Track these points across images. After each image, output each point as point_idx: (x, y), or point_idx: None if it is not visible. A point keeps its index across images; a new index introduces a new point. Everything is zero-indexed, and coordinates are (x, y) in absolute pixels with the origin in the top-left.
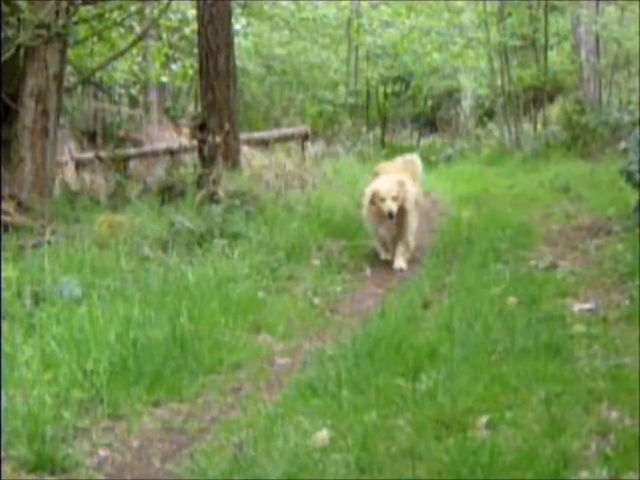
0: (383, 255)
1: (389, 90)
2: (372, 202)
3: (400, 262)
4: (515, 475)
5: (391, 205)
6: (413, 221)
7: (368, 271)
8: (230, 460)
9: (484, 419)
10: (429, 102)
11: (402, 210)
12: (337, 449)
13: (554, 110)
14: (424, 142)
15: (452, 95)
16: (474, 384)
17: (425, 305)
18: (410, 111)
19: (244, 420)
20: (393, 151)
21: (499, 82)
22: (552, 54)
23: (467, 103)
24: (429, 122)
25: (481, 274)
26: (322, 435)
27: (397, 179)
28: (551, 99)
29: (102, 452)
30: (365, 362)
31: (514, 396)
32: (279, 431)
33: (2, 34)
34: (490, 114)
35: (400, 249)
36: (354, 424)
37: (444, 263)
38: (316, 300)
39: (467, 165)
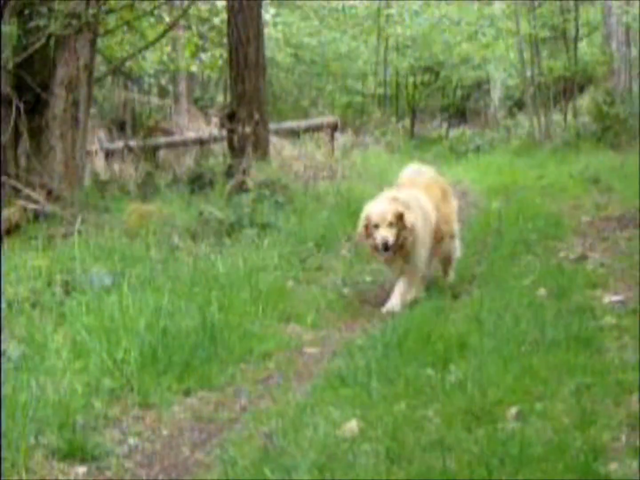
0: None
1: (418, 80)
2: (366, 230)
3: (393, 302)
4: (545, 466)
5: (385, 235)
6: (422, 252)
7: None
8: (259, 450)
9: (513, 410)
10: (459, 93)
11: (405, 239)
12: (366, 439)
13: (584, 101)
14: (453, 132)
15: (481, 86)
16: (503, 375)
17: (455, 296)
18: (439, 102)
19: (273, 410)
20: (423, 142)
21: (528, 72)
22: (583, 45)
23: (496, 94)
24: (458, 113)
25: (511, 265)
26: (352, 425)
27: (400, 196)
28: (581, 90)
29: (132, 441)
30: (395, 352)
31: (544, 388)
32: (309, 421)
33: (33, 23)
34: (520, 105)
35: (398, 287)
36: (384, 415)
37: (473, 254)
38: (345, 291)
39: (496, 156)
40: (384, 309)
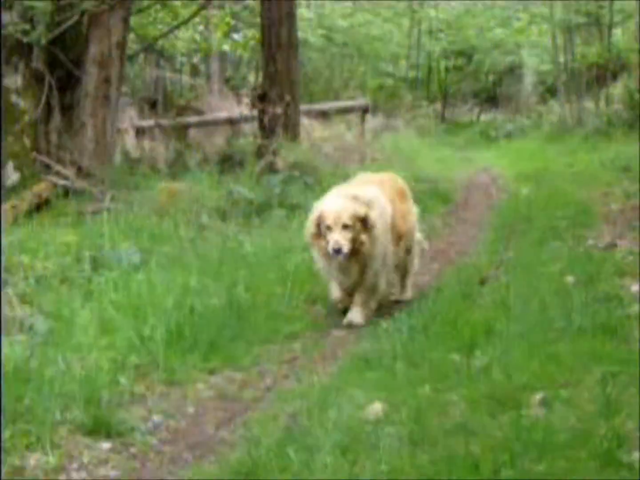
0: (339, 303)
1: (450, 64)
2: (317, 230)
3: (354, 315)
4: (569, 453)
5: (339, 238)
6: (383, 260)
7: (425, 245)
8: (283, 430)
9: (538, 397)
10: (491, 78)
11: (362, 244)
12: (390, 421)
13: (617, 89)
14: (485, 117)
15: (514, 71)
16: (529, 362)
17: (482, 282)
18: (471, 86)
19: (298, 390)
20: (454, 126)
21: (561, 58)
22: (617, 32)
23: (529, 79)
24: (490, 98)
25: (539, 252)
26: (376, 407)
27: (361, 193)
28: (615, 77)
29: (157, 418)
30: (420, 336)
31: (570, 375)
32: (333, 402)
33: (67, 0)
34: (552, 91)
35: (359, 298)
36: (408, 398)
37: (501, 239)
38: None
39: (527, 142)
40: (345, 321)
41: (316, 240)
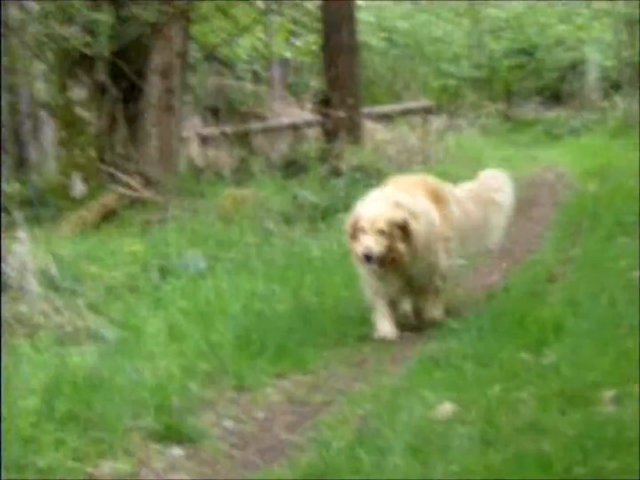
0: (385, 328)
1: (512, 63)
2: (353, 233)
3: (433, 311)
4: None
5: (369, 243)
6: (431, 273)
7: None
8: (354, 432)
9: (609, 394)
10: (554, 75)
11: (400, 255)
12: (461, 421)
13: None
14: (548, 115)
15: (577, 68)
16: (599, 358)
17: (550, 279)
18: (534, 84)
19: (368, 393)
20: (517, 125)
21: (625, 53)
22: None
23: (592, 75)
24: (553, 95)
25: (607, 248)
26: (446, 408)
27: (403, 200)
28: None
29: (227, 423)
30: (489, 335)
31: None
32: (403, 404)
33: (128, 11)
34: (616, 86)
35: (429, 298)
36: (478, 397)
37: (568, 236)
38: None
39: (592, 138)
40: (425, 317)
41: (352, 244)
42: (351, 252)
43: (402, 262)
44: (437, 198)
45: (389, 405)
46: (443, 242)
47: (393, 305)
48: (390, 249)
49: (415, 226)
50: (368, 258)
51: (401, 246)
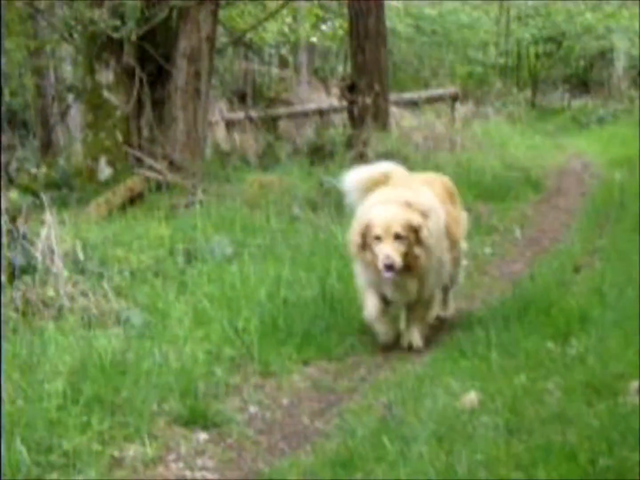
0: (383, 335)
1: (540, 50)
2: (363, 242)
3: (414, 336)
4: None
5: (390, 252)
6: (439, 273)
7: (518, 233)
8: (378, 420)
9: (635, 384)
10: (581, 63)
11: (417, 259)
12: (485, 411)
13: None
14: (576, 103)
15: (604, 56)
16: (625, 349)
17: (576, 269)
18: (561, 72)
19: (392, 380)
20: (544, 113)
21: None
22: None
23: (620, 64)
24: (580, 83)
25: (633, 238)
26: (471, 397)
27: (414, 200)
28: None
29: (252, 409)
30: (515, 325)
31: None
32: (428, 392)
33: None
34: None
35: (415, 316)
36: (503, 387)
37: (595, 226)
38: (464, 262)
39: (620, 127)
40: (404, 343)
41: (361, 253)
42: (356, 263)
43: (419, 268)
44: (451, 198)
45: (414, 393)
46: (452, 243)
47: (389, 317)
48: (408, 254)
49: (429, 227)
50: (390, 268)
51: (418, 250)
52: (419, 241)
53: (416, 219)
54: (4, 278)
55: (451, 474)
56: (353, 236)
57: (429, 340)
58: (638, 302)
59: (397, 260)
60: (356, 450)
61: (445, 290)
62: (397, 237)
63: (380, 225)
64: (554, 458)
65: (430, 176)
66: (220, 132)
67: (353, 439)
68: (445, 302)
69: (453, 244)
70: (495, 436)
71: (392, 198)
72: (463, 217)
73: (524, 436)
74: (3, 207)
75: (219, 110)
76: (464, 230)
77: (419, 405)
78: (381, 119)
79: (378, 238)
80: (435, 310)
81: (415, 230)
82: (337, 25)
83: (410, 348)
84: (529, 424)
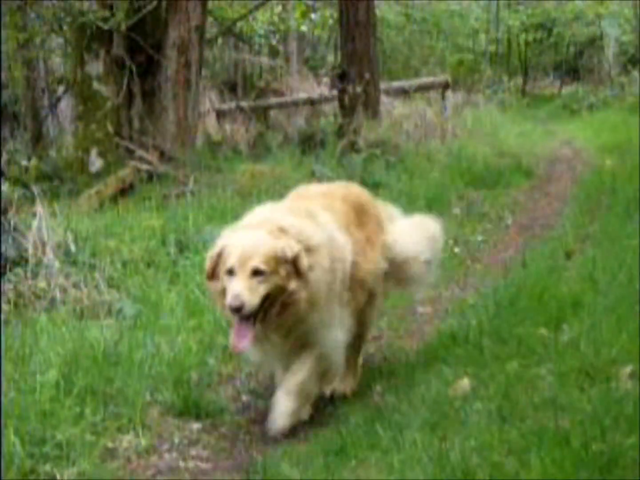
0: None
1: (530, 37)
2: (213, 271)
3: (278, 413)
4: None
5: (241, 290)
6: (330, 318)
7: (509, 220)
8: (371, 407)
9: (627, 370)
10: (571, 50)
11: (293, 295)
12: (478, 397)
13: None
14: (566, 90)
15: (595, 43)
16: (617, 335)
17: (568, 255)
18: (552, 59)
19: (385, 368)
20: (535, 100)
21: None
22: None
23: (610, 50)
24: (571, 70)
25: (625, 224)
26: (464, 383)
27: (292, 223)
28: None
29: (245, 398)
30: (507, 311)
31: None
32: (421, 379)
33: None
34: (634, 61)
35: (292, 378)
36: (496, 373)
37: (586, 212)
38: (457, 250)
39: (610, 114)
40: (270, 427)
41: (212, 284)
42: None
43: (297, 306)
44: (361, 216)
45: (407, 381)
46: (367, 278)
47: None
48: (278, 291)
49: (311, 260)
50: (237, 310)
51: (293, 284)
52: (295, 275)
53: (289, 249)
54: None
55: (444, 460)
56: (207, 264)
57: (421, 329)
58: (630, 288)
59: (250, 303)
60: (349, 438)
61: (359, 335)
62: (256, 272)
63: (235, 255)
64: (547, 443)
65: (330, 189)
66: (211, 122)
67: (346, 426)
68: (348, 365)
69: (361, 281)
70: (488, 422)
71: (262, 220)
72: (383, 237)
73: (516, 422)
74: None
75: (210, 100)
76: (380, 253)
77: (411, 393)
78: (372, 107)
79: (230, 272)
80: (331, 376)
81: (288, 262)
82: (326, 14)
83: (276, 430)
84: (521, 410)
